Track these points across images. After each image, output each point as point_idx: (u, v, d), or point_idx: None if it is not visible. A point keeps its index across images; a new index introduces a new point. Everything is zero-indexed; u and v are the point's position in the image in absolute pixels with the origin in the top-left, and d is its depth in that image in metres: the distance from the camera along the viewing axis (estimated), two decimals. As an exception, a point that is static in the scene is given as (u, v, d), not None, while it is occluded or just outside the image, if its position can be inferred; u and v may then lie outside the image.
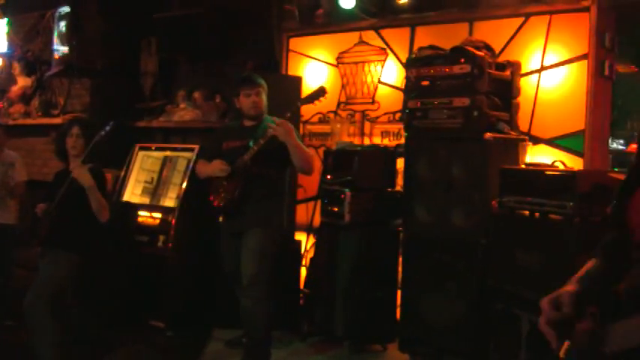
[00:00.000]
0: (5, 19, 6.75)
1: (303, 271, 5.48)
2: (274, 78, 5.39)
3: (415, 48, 4.99)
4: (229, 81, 5.27)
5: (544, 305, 1.52)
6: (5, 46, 6.91)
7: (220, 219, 4.50)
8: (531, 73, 4.62)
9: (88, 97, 6.63)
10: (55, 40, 6.04)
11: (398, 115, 5.22)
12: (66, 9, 5.90)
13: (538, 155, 4.51)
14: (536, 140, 4.56)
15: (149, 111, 6.21)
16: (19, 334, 5.21)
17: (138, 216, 5.56)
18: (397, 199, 4.75)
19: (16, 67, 7.25)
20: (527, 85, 4.59)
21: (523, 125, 4.54)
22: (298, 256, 5.51)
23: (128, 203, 5.67)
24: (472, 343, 4.05)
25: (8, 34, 6.85)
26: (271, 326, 4.33)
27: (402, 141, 4.85)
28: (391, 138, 5.39)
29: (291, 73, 5.91)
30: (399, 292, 4.66)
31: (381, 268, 4.77)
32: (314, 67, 5.86)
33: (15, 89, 7.25)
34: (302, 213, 5.69)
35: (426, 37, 5.04)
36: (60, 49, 6.00)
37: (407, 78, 4.52)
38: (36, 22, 7.17)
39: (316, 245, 5.31)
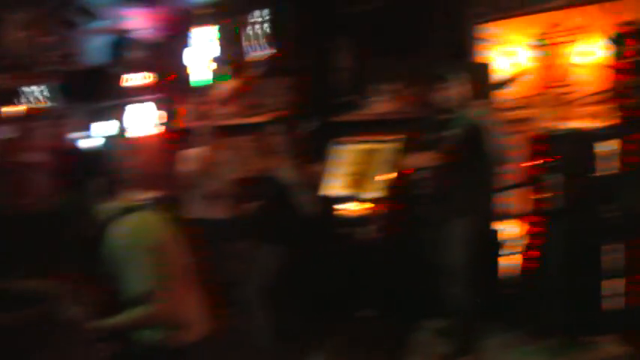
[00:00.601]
0: (214, 26, 7.52)
1: (505, 261, 5.50)
2: (464, 66, 5.48)
3: (614, 24, 4.86)
4: (422, 72, 5.55)
5: None
6: (215, 51, 7.70)
7: (426, 208, 4.79)
8: None
9: (289, 95, 7.11)
10: (258, 41, 6.65)
11: (598, 97, 5.11)
12: (265, 12, 6.50)
13: None
14: None
15: (346, 106, 6.53)
16: (235, 320, 5.95)
17: (342, 208, 5.92)
18: (607, 183, 4.71)
19: (224, 70, 7.90)
20: None
21: None
22: (498, 246, 5.54)
23: (332, 196, 6.03)
24: None
25: (217, 39, 7.63)
26: (477, 316, 4.58)
27: (605, 123, 4.80)
28: (592, 120, 5.22)
29: (480, 59, 5.94)
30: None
31: (590, 256, 4.73)
32: (505, 52, 5.88)
33: (223, 91, 7.95)
34: (507, 201, 5.81)
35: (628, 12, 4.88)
36: (262, 50, 6.60)
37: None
38: (240, 26, 7.73)
39: (524, 234, 5.34)
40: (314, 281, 5.85)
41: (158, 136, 10.35)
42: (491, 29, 5.94)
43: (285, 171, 4.71)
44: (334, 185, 6.12)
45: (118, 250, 2.69)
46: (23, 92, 10.96)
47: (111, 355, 2.90)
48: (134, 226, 2.76)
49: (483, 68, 5.69)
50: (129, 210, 2.80)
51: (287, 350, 4.90)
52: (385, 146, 5.84)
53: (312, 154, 5.58)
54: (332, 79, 6.54)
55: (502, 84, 4.71)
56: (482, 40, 5.98)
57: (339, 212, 5.94)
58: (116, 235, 2.71)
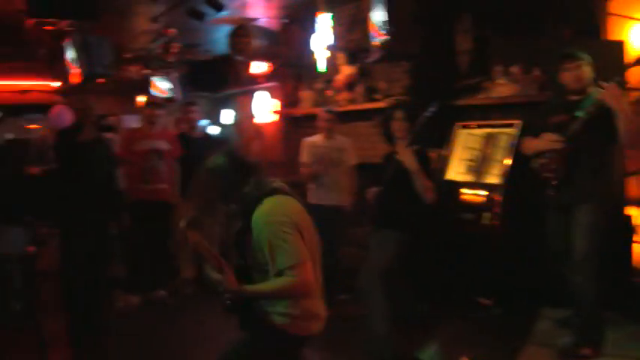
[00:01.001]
0: (328, 14, 7.65)
1: (636, 248, 5.37)
2: (594, 44, 5.37)
3: None
4: (547, 52, 5.38)
5: None
6: (330, 39, 7.83)
7: (548, 194, 4.67)
8: None
9: (407, 79, 7.12)
10: (373, 27, 6.68)
11: None
12: (382, -4, 6.51)
13: None
14: None
15: (467, 89, 6.45)
16: (351, 308, 6.07)
17: (462, 194, 5.88)
18: None
19: (340, 58, 8.03)
20: None
21: None
22: (630, 232, 5.40)
23: (452, 181, 6.00)
24: None
25: (332, 26, 7.75)
26: (602, 305, 4.44)
27: None
28: None
29: (612, 37, 5.74)
30: None
31: None
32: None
33: (340, 78, 8.05)
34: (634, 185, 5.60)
35: None
36: (377, 36, 6.63)
37: None
38: (355, 12, 7.84)
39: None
40: (432, 268, 5.92)
41: (279, 122, 10.62)
42: (624, 5, 5.72)
43: (405, 156, 4.70)
44: (454, 170, 6.09)
45: (264, 225, 2.87)
46: (151, 82, 11.56)
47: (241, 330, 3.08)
48: (280, 203, 2.97)
49: (616, 47, 5.48)
50: (274, 191, 3.01)
51: (404, 337, 4.92)
52: (507, 130, 5.73)
53: (432, 139, 5.57)
54: (451, 61, 6.47)
55: (637, 63, 4.52)
56: (615, 16, 5.76)
57: (459, 198, 5.90)
58: (264, 211, 2.90)
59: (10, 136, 11.87)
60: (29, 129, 12.31)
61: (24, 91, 11.42)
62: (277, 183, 3.14)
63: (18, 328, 5.36)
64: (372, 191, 5.02)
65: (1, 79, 11.17)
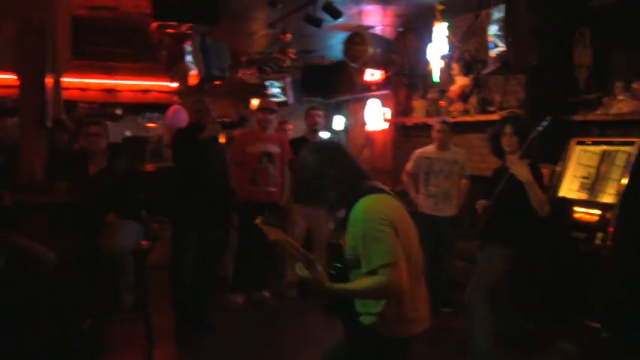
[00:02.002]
0: (445, 24, 7.74)
1: None
2: None
3: None
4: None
5: None
6: (445, 49, 7.91)
7: None
8: None
9: (522, 92, 7.10)
10: (490, 38, 6.71)
11: None
12: (499, 7, 6.54)
13: None
14: None
15: (584, 104, 6.36)
16: (454, 321, 6.11)
17: (575, 212, 5.78)
18: None
19: (455, 68, 8.13)
20: None
21: None
22: None
23: (565, 199, 5.91)
24: None
25: (447, 37, 7.83)
26: None
27: None
28: None
29: None
30: None
31: None
32: None
33: (454, 89, 8.13)
34: None
35: None
36: (495, 47, 6.66)
37: None
38: (471, 23, 7.91)
39: None
40: (541, 286, 5.88)
41: (389, 131, 10.74)
42: None
43: (518, 168, 4.72)
44: (567, 187, 6.03)
45: (360, 223, 2.86)
46: (266, 86, 11.96)
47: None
48: (377, 201, 2.94)
49: None
50: (372, 190, 3.00)
51: (506, 354, 4.95)
52: (625, 149, 5.63)
53: (544, 154, 5.55)
54: (569, 75, 6.40)
55: None
56: None
57: (572, 216, 5.82)
58: (360, 209, 2.89)
59: (128, 133, 12.59)
60: (147, 127, 12.97)
61: (145, 91, 12.05)
62: (375, 183, 3.12)
63: (127, 321, 5.61)
64: (482, 204, 5.04)
65: (124, 79, 11.83)
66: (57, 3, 5.84)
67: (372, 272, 2.78)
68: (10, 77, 8.64)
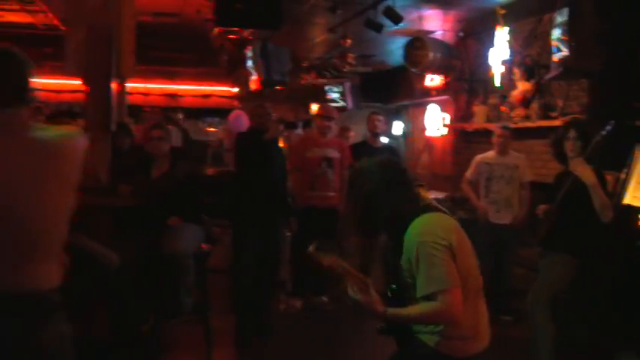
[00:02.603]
0: (506, 28, 7.68)
1: None
2: None
3: None
4: None
5: None
6: (507, 53, 7.84)
7: None
8: None
9: (585, 97, 6.97)
10: (553, 43, 6.63)
11: None
12: (562, 11, 6.45)
13: None
14: None
15: None
16: (514, 329, 6.04)
17: (639, 220, 5.62)
18: None
19: (516, 73, 8.00)
20: None
21: None
22: None
23: (630, 207, 5.71)
24: None
25: (509, 41, 7.77)
26: None
27: None
28: None
29: None
30: None
31: None
32: None
33: (515, 94, 8.00)
34: None
35: None
36: (558, 51, 6.57)
37: None
38: (533, 27, 7.84)
39: None
40: (604, 296, 5.77)
41: (449, 136, 10.69)
42: None
43: (582, 170, 4.62)
44: (632, 195, 5.89)
45: (415, 246, 2.79)
46: (325, 91, 12.04)
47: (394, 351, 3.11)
48: (432, 222, 2.87)
49: None
50: (426, 209, 2.93)
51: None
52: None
53: (608, 160, 5.45)
54: (635, 80, 6.26)
55: None
56: None
57: (637, 224, 5.65)
58: (415, 231, 2.83)
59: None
60: (207, 131, 13.19)
61: (206, 96, 12.27)
62: (428, 200, 3.06)
63: (187, 323, 5.68)
64: (543, 208, 4.98)
65: (186, 84, 12.07)
66: (124, 10, 5.99)
67: (427, 297, 2.75)
68: (75, 83, 8.93)
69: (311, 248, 2.96)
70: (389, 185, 2.96)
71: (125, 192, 5.45)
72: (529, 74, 7.90)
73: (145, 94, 12.04)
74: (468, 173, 6.77)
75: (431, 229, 2.82)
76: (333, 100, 12.18)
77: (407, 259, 2.84)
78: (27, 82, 2.49)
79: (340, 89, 12.25)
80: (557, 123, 6.84)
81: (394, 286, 2.99)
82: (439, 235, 2.79)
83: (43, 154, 2.42)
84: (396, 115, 13.49)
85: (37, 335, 2.39)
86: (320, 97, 12.28)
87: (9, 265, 2.33)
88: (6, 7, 8.71)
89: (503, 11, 7.65)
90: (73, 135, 2.64)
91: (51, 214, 2.50)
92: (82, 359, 4.16)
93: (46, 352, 2.42)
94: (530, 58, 7.88)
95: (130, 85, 8.78)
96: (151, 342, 5.53)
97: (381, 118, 7.31)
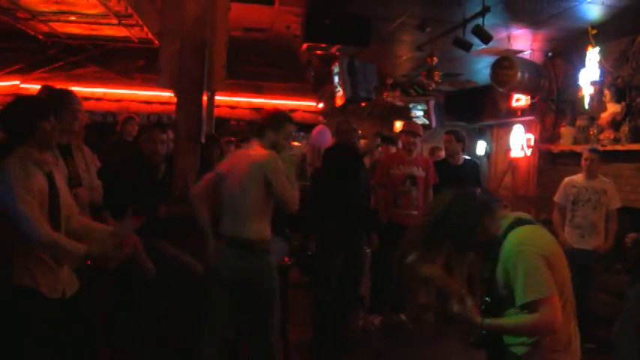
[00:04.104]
0: (597, 48, 7.52)
1: None
2: None
3: None
4: None
5: None
6: (597, 74, 7.67)
7: None
8: None
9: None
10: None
11: None
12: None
13: None
14: None
15: None
16: (596, 358, 5.86)
17: None
18: None
19: (607, 94, 7.81)
20: None
21: None
22: None
23: None
24: None
25: (599, 62, 7.60)
26: None
27: None
28: None
29: None
30: None
31: None
32: None
33: (604, 116, 7.82)
34: None
35: None
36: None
37: None
38: (625, 48, 7.68)
39: None
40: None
41: (534, 157, 10.52)
42: None
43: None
44: None
45: (513, 256, 2.81)
46: (409, 109, 12.03)
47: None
48: (530, 233, 2.90)
49: None
50: (521, 222, 2.95)
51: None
52: None
53: None
54: None
55: None
56: None
57: None
58: (513, 242, 2.85)
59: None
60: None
61: (291, 111, 12.43)
62: (518, 214, 3.05)
63: None
64: (632, 237, 4.84)
65: (272, 98, 12.25)
66: (218, 24, 6.14)
67: (525, 306, 2.76)
68: (166, 95, 9.21)
69: (410, 258, 2.98)
70: (476, 212, 2.94)
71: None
72: (619, 96, 7.73)
73: (232, 107, 12.25)
74: (557, 197, 6.63)
75: (529, 240, 2.85)
76: (417, 118, 12.15)
77: (503, 269, 2.85)
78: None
79: (424, 107, 12.20)
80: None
81: (488, 299, 2.98)
82: (538, 245, 2.82)
83: None
84: (480, 134, 13.35)
85: (253, 262, 4.25)
86: (404, 114, 12.27)
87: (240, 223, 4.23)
88: (105, 21, 9.04)
89: (594, 31, 7.50)
90: None
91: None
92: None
93: (260, 272, 4.26)
94: (621, 79, 7.72)
95: (217, 98, 8.99)
96: (232, 353, 5.63)
97: (450, 138, 7.25)
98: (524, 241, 2.84)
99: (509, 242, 2.86)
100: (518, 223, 2.94)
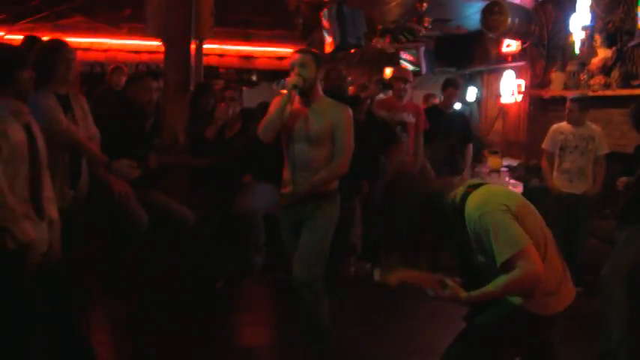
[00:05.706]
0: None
1: None
2: None
3: None
4: None
5: None
6: (588, 19, 7.60)
7: None
8: None
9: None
10: (638, 8, 6.38)
11: None
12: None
13: None
14: None
15: None
16: (585, 301, 5.89)
17: None
18: None
19: (598, 39, 7.72)
20: None
21: None
22: None
23: None
24: None
25: (590, 6, 7.52)
26: None
27: None
28: None
29: None
30: None
31: None
32: None
33: (595, 61, 7.75)
34: None
35: None
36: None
37: None
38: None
39: None
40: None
41: (524, 103, 10.50)
42: None
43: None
44: None
45: (478, 221, 2.81)
46: (399, 56, 11.91)
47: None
48: (486, 193, 2.91)
49: None
50: (473, 186, 2.96)
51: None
52: None
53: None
54: None
55: None
56: None
57: None
58: (472, 207, 2.86)
59: (262, 100, 12.91)
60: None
61: (280, 58, 12.32)
62: (469, 181, 3.08)
63: (257, 282, 5.84)
64: (623, 180, 4.85)
65: (261, 46, 12.12)
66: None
67: (505, 264, 2.74)
68: (154, 44, 9.09)
69: (375, 276, 3.05)
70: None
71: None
72: (611, 41, 7.66)
73: (221, 55, 12.13)
74: (545, 144, 6.61)
75: (486, 200, 2.86)
76: (408, 63, 12.04)
77: (475, 237, 2.86)
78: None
79: (415, 53, 12.09)
80: (638, 92, 6.72)
81: (466, 272, 3.02)
82: (497, 202, 2.83)
83: None
84: (471, 80, 13.29)
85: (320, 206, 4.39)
86: (394, 61, 12.16)
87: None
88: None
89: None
90: None
91: None
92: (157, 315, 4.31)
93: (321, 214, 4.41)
94: (612, 24, 7.63)
95: (206, 47, 8.88)
96: (222, 300, 5.66)
97: (454, 90, 7.21)
98: (482, 204, 2.85)
99: (469, 209, 2.87)
100: (475, 185, 2.97)
